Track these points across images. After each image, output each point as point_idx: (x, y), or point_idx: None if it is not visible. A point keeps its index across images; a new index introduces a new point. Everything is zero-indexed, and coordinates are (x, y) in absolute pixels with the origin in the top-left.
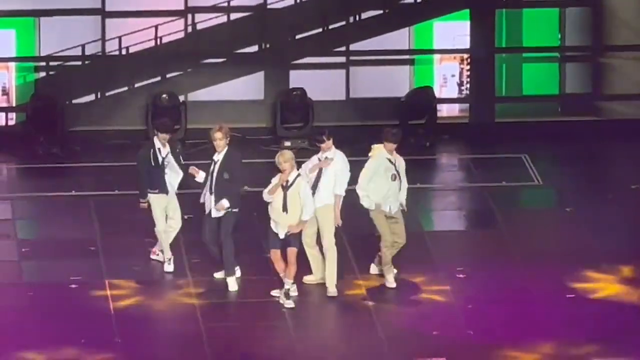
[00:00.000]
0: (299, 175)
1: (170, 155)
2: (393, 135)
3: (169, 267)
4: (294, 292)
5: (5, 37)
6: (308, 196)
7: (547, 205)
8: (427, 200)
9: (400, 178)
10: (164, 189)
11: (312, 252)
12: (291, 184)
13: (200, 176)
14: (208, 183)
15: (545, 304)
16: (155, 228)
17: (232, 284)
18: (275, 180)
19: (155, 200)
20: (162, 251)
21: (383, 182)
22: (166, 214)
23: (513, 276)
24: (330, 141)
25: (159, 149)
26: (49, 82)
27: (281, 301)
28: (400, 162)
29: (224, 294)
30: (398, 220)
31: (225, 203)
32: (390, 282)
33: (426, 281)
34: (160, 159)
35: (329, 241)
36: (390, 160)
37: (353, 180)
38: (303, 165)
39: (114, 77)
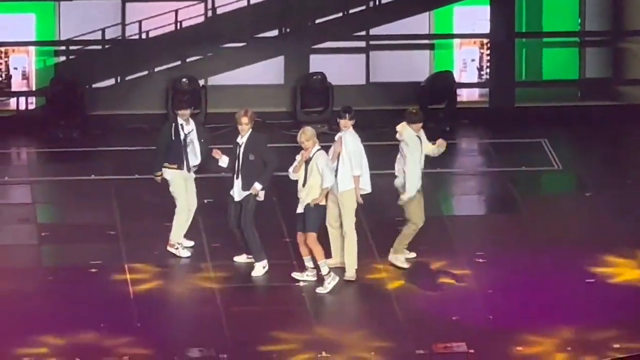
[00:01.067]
0: (319, 149)
1: (194, 133)
2: (416, 115)
3: (184, 252)
4: (313, 277)
5: (25, 21)
6: (326, 165)
7: (566, 189)
8: (447, 184)
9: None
10: (183, 165)
11: (334, 233)
12: (311, 158)
13: (223, 160)
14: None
15: (565, 288)
16: (176, 209)
17: (258, 270)
18: (299, 158)
19: (173, 176)
20: (180, 244)
21: (417, 162)
22: None
23: (533, 261)
24: (349, 122)
25: (181, 124)
26: (69, 66)
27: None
28: (423, 138)
29: (244, 278)
30: (421, 200)
31: (258, 186)
32: (402, 262)
33: (446, 266)
34: (182, 135)
35: (349, 225)
36: (419, 137)
37: (374, 165)
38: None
39: (134, 62)
